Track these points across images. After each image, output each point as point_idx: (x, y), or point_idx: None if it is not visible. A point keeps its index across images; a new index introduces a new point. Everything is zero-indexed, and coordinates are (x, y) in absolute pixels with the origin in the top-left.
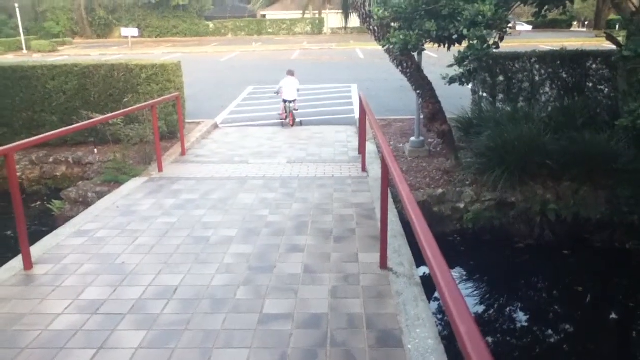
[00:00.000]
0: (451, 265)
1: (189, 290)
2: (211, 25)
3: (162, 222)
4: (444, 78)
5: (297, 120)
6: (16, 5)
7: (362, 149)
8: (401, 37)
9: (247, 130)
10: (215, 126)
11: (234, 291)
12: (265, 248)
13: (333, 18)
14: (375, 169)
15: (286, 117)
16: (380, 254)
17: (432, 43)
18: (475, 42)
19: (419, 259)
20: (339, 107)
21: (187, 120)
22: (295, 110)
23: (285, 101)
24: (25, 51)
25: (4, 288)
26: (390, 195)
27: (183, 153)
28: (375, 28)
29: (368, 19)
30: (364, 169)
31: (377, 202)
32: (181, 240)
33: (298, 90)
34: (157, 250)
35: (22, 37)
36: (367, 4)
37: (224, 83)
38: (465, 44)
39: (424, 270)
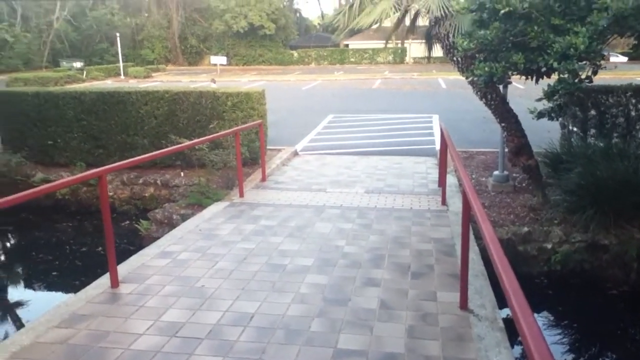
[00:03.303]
0: (537, 309)
1: (264, 319)
2: (295, 54)
3: (241, 248)
4: (531, 112)
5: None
6: (117, 34)
7: (442, 182)
8: (486, 69)
9: (326, 158)
10: (295, 153)
11: (309, 323)
12: (340, 280)
13: (415, 48)
14: (455, 203)
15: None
16: (461, 293)
17: (518, 75)
18: (566, 75)
19: (502, 301)
20: (419, 137)
21: (268, 147)
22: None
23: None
24: (122, 77)
25: (92, 305)
26: (471, 232)
27: (263, 179)
28: (459, 59)
29: (452, 50)
30: (443, 203)
31: (457, 238)
32: (259, 267)
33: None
34: (235, 275)
35: (121, 64)
36: (450, 35)
37: (305, 111)
38: (554, 76)
39: (507, 312)
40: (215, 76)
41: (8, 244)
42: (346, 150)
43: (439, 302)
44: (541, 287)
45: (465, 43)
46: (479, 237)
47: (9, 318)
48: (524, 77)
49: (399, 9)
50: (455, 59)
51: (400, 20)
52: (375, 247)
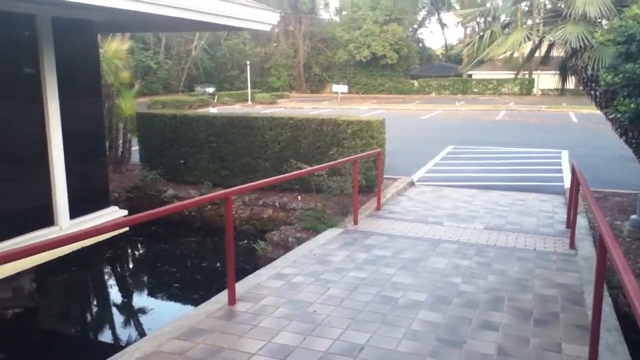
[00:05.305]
0: None
1: (374, 352)
2: (416, 83)
3: (353, 276)
4: None
5: None
6: (247, 62)
7: (571, 223)
8: (632, 105)
9: (444, 190)
10: (412, 184)
11: None
12: (455, 319)
13: (544, 79)
14: (585, 247)
15: None
16: (590, 348)
17: None
18: None
19: None
20: (546, 173)
21: (384, 176)
22: None
23: None
24: (249, 102)
25: (210, 319)
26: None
27: (378, 208)
28: (598, 94)
29: (590, 84)
30: (572, 246)
31: (586, 285)
32: (370, 298)
33: None
34: (346, 304)
35: (249, 90)
36: (589, 67)
37: (423, 141)
38: None
39: None
40: (335, 104)
41: (137, 254)
42: (465, 183)
43: (564, 355)
44: None
45: (609, 77)
46: (612, 287)
47: (132, 324)
48: None
49: (532, 40)
50: (593, 93)
51: (533, 51)
52: (494, 287)
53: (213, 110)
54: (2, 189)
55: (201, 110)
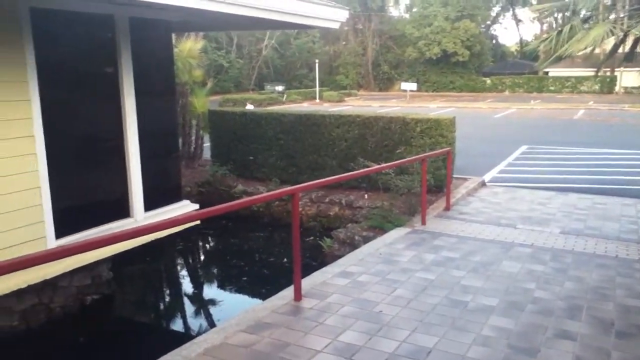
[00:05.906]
0: None
1: (442, 356)
2: (488, 81)
3: (420, 277)
4: None
5: None
6: (316, 61)
7: None
8: None
9: (517, 192)
10: (483, 184)
11: None
12: (528, 327)
13: (628, 76)
14: None
15: None
16: None
17: None
18: None
19: None
20: (629, 176)
21: (453, 175)
22: None
23: None
24: (317, 100)
25: (276, 314)
26: None
27: (447, 208)
28: None
29: None
30: None
31: None
32: (438, 300)
33: None
34: (413, 305)
35: (317, 88)
36: None
37: (495, 140)
38: None
39: None
40: (404, 102)
41: (207, 247)
42: (540, 185)
43: None
44: None
45: None
46: None
47: (201, 314)
48: None
49: (616, 35)
50: None
51: (617, 47)
52: (571, 295)
53: (249, 107)
54: (83, 182)
55: (270, 108)
